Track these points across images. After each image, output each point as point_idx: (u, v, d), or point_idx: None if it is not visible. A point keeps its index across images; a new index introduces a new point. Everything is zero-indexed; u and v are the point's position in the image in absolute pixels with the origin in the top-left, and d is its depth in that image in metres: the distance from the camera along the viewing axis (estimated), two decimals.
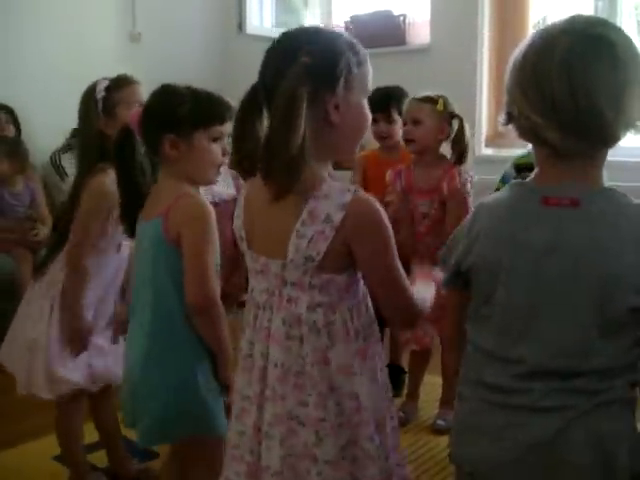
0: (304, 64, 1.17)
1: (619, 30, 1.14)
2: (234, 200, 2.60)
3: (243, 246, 1.34)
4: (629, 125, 1.12)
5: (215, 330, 1.58)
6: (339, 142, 1.26)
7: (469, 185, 2.50)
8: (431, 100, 2.54)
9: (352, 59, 1.24)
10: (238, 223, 1.34)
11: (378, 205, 1.23)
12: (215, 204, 2.43)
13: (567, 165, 1.13)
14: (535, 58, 1.12)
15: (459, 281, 1.25)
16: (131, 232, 1.71)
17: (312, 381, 1.24)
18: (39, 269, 2.11)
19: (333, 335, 1.25)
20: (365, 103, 1.29)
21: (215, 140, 1.65)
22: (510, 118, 1.16)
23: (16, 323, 2.11)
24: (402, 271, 1.28)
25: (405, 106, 2.64)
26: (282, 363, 1.25)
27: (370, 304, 1.32)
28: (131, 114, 1.71)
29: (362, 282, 1.30)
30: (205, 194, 2.38)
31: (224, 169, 2.58)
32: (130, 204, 1.70)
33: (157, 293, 1.59)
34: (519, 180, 1.20)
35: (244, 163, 1.30)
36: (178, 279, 1.56)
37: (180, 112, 1.60)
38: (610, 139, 1.12)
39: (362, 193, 1.23)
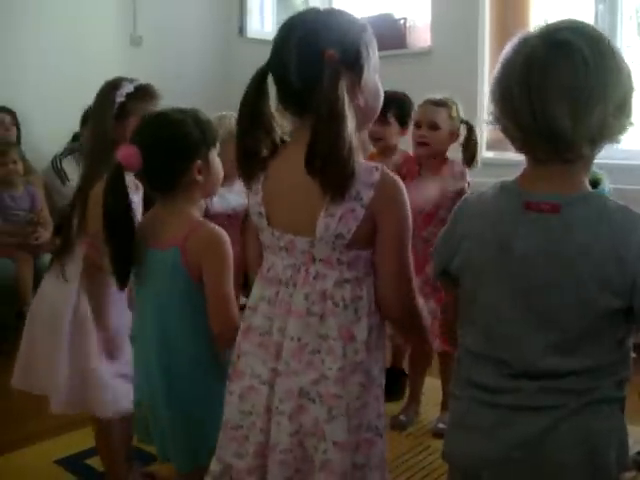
0: (335, 58, 1.18)
1: (594, 37, 1.10)
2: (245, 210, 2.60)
3: (262, 223, 1.32)
4: (595, 137, 1.09)
5: None
6: (361, 121, 1.27)
7: (465, 184, 2.51)
8: (446, 104, 2.54)
9: (367, 41, 1.26)
10: (256, 200, 1.32)
11: (403, 186, 1.26)
12: (229, 216, 2.44)
13: (548, 169, 1.13)
14: (503, 62, 1.14)
15: (448, 280, 1.26)
16: (124, 285, 1.64)
17: (333, 357, 1.24)
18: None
19: (359, 310, 1.26)
20: (378, 79, 1.31)
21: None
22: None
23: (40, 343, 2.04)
24: (412, 268, 1.29)
25: (420, 108, 2.60)
26: (299, 338, 1.25)
27: None
28: (125, 153, 1.58)
29: None
30: (221, 205, 2.39)
31: (239, 182, 2.58)
32: (122, 258, 1.61)
33: (173, 323, 1.58)
34: (504, 180, 1.20)
35: (250, 152, 1.29)
36: (193, 307, 1.57)
37: (195, 137, 1.61)
38: (571, 149, 1.10)
39: (389, 171, 1.26)
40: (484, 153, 3.96)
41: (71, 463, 2.39)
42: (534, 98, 1.08)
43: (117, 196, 1.58)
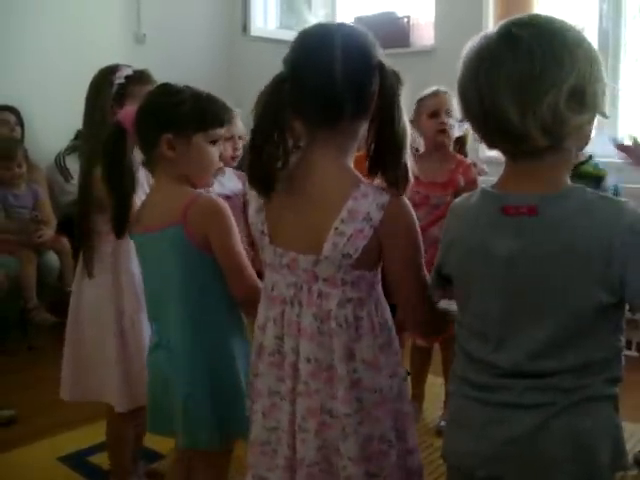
0: (384, 64, 1.24)
1: (544, 29, 1.09)
2: (243, 195, 2.60)
3: (264, 240, 1.32)
4: (549, 128, 1.06)
5: None
6: None
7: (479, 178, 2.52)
8: (451, 95, 2.54)
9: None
10: (259, 218, 1.32)
11: (411, 206, 1.27)
12: (227, 197, 2.45)
13: (524, 169, 1.13)
14: (462, 59, 1.14)
15: (442, 282, 1.28)
16: (122, 234, 1.68)
17: (339, 376, 1.26)
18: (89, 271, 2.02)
19: (360, 329, 1.27)
20: None
21: (213, 143, 1.62)
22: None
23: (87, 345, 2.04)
24: (427, 279, 1.30)
25: (435, 98, 2.56)
26: (315, 358, 1.26)
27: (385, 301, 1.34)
28: (125, 112, 1.64)
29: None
30: (218, 188, 2.39)
31: (228, 169, 2.59)
32: (121, 206, 1.66)
33: (192, 300, 1.58)
34: (485, 187, 1.20)
35: (269, 162, 1.26)
36: (209, 279, 1.58)
37: (180, 112, 1.57)
38: (523, 140, 1.07)
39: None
40: (486, 152, 3.95)
41: (74, 460, 2.40)
42: (482, 92, 1.08)
43: (116, 151, 1.62)
